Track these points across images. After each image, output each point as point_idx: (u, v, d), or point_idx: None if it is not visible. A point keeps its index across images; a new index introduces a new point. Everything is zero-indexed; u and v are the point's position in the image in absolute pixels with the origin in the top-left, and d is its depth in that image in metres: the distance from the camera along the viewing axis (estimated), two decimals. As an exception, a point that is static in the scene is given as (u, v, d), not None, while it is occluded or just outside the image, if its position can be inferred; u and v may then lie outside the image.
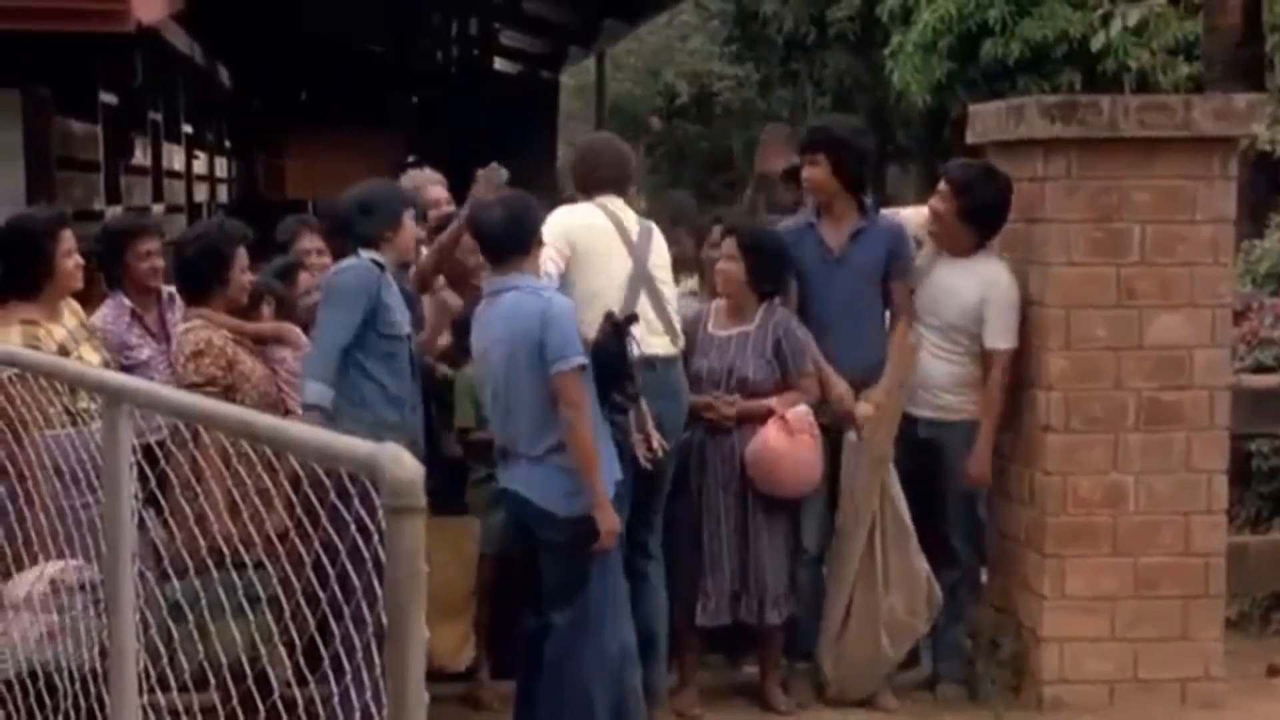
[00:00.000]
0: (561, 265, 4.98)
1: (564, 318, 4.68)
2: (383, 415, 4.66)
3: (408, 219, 5.01)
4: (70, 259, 4.92)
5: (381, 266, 4.83)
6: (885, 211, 5.81)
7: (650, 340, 5.00)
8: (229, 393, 4.68)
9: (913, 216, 5.73)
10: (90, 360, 4.76)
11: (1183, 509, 5.31)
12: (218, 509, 3.81)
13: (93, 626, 3.69)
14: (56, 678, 3.55)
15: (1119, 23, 11.67)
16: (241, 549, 3.51)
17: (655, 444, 4.86)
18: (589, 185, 5.26)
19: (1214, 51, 9.94)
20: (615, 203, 5.21)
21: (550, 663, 4.74)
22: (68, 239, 4.93)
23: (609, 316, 4.78)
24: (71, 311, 5.02)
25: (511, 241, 4.80)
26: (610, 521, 4.66)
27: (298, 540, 2.98)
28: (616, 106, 25.33)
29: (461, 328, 5.35)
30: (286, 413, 4.80)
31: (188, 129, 15.77)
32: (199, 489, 4.07)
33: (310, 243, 5.89)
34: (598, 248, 5.07)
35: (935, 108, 15.91)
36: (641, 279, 5.07)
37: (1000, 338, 5.36)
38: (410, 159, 20.64)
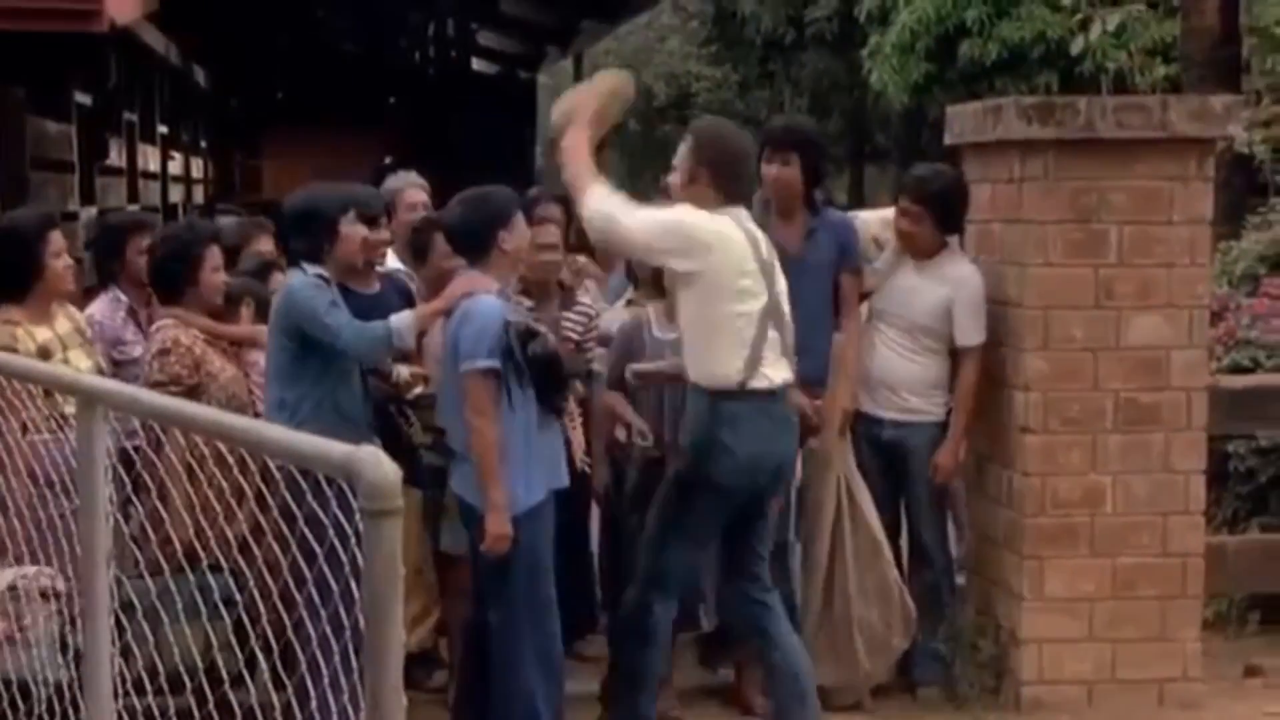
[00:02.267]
0: (682, 266, 4.56)
1: (480, 317, 4.59)
2: (335, 431, 4.59)
3: (347, 227, 4.82)
4: (59, 260, 4.91)
5: (326, 280, 4.75)
6: (848, 213, 5.82)
7: (778, 370, 4.65)
8: (194, 393, 4.65)
9: (872, 219, 5.72)
10: (79, 365, 4.73)
11: (1161, 510, 5.32)
12: (179, 514, 3.77)
13: (53, 634, 3.66)
14: (32, 685, 3.52)
15: (1099, 27, 11.69)
16: (202, 552, 3.48)
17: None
18: (729, 192, 4.63)
19: (1191, 53, 9.97)
20: (745, 216, 4.69)
21: (495, 663, 4.72)
22: (56, 240, 4.91)
23: (510, 326, 4.62)
24: (67, 316, 5.00)
25: (469, 239, 4.77)
26: (498, 527, 4.55)
27: (273, 543, 2.96)
28: (595, 107, 25.25)
29: None
30: (256, 415, 4.77)
31: (163, 129, 15.71)
32: (173, 491, 4.04)
33: (264, 245, 5.87)
34: (733, 268, 4.54)
35: (913, 109, 15.95)
36: (771, 312, 4.60)
37: (970, 334, 5.39)
38: (387, 160, 20.66)
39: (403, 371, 5.19)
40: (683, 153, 4.75)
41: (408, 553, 5.12)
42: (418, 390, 5.27)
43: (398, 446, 5.07)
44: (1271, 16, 10.23)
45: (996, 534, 5.48)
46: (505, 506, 4.57)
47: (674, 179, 4.81)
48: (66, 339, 4.87)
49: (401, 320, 4.72)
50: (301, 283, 4.73)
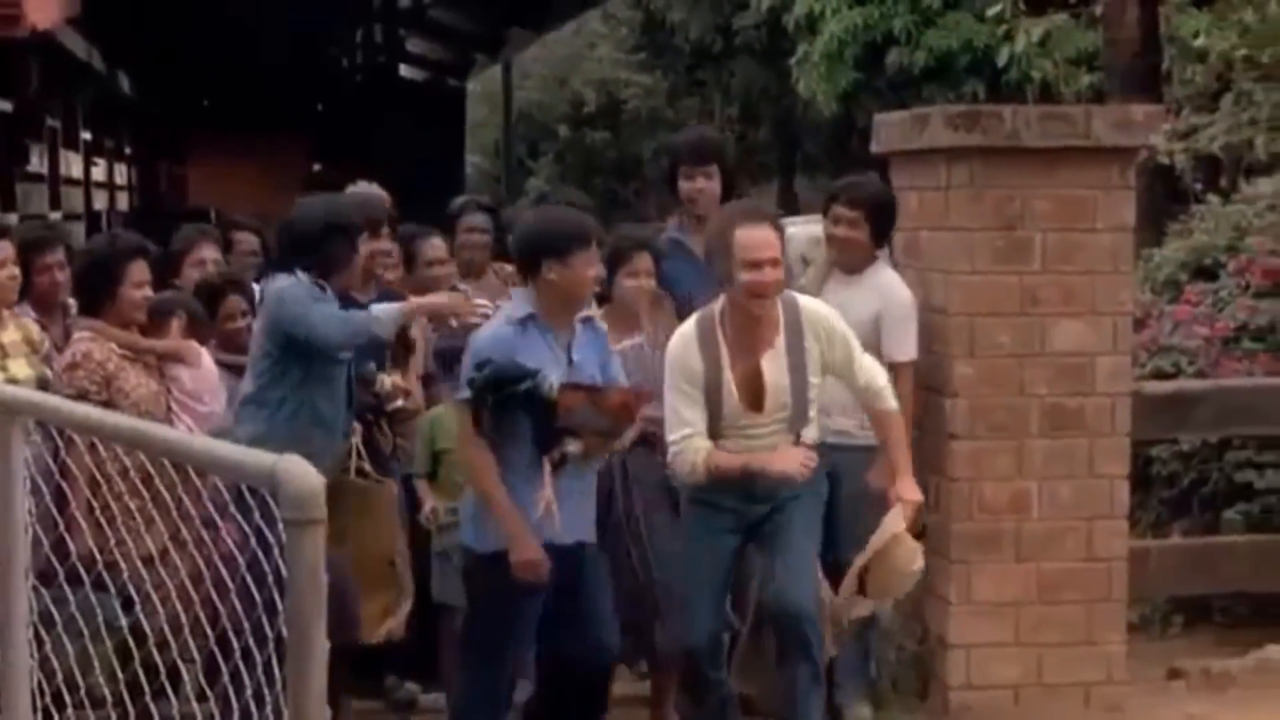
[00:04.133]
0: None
1: (471, 347, 4.60)
2: (308, 436, 4.57)
3: (363, 245, 4.95)
4: (2, 270, 4.87)
5: (323, 287, 4.78)
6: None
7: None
8: (104, 409, 4.58)
9: (800, 235, 5.52)
10: (18, 375, 4.71)
11: (1086, 514, 5.36)
12: (95, 525, 3.72)
13: None
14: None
15: (1024, 37, 11.82)
16: (123, 563, 3.44)
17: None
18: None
19: (1113, 63, 10.10)
20: None
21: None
22: (4, 249, 4.88)
23: (488, 365, 4.50)
24: (18, 326, 4.95)
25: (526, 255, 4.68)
26: (518, 554, 4.45)
27: (194, 552, 2.93)
28: (524, 114, 25.30)
29: (441, 359, 5.32)
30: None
31: (87, 136, 15.52)
32: (94, 502, 3.99)
33: (208, 253, 5.80)
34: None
35: (842, 117, 16.03)
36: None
37: (900, 349, 5.23)
38: (316, 167, 20.51)
39: (385, 381, 5.16)
40: None
41: (381, 544, 5.09)
42: (398, 403, 5.24)
43: (377, 453, 5.07)
44: (1190, 28, 10.36)
45: (926, 540, 5.50)
46: (522, 533, 4.47)
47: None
48: (10, 348, 4.83)
49: (384, 310, 4.77)
50: (293, 287, 4.70)
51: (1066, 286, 5.33)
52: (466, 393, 4.54)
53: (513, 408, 4.47)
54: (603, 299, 5.30)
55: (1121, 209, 5.37)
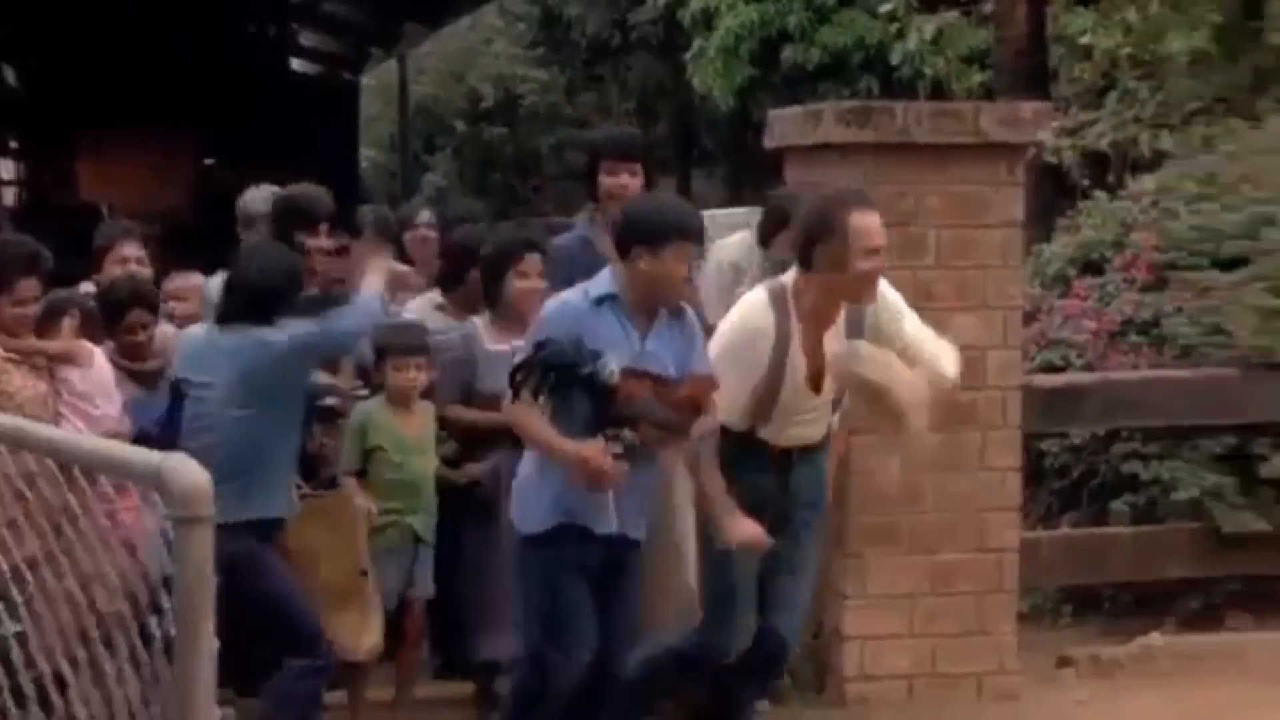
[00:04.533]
0: None
1: (545, 311, 4.48)
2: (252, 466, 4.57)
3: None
4: None
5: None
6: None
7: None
8: None
9: (730, 244, 5.45)
10: None
11: (978, 506, 5.44)
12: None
13: None
14: None
15: (916, 35, 11.97)
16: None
17: None
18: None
19: (1002, 62, 10.26)
20: None
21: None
22: None
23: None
24: None
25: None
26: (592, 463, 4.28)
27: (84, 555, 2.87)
28: (421, 109, 25.16)
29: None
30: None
31: (-30, 129, 15.18)
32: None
33: (130, 250, 5.68)
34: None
35: (738, 112, 16.11)
36: None
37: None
38: (207, 161, 20.22)
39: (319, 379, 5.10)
40: None
41: (347, 557, 4.95)
42: (329, 401, 5.16)
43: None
44: (1077, 27, 10.55)
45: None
46: (582, 462, 4.24)
47: None
48: None
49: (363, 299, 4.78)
50: (270, 333, 4.64)
51: (959, 281, 5.40)
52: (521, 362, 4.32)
53: (572, 389, 4.30)
54: (490, 300, 5.28)
55: (1011, 205, 5.44)
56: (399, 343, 5.17)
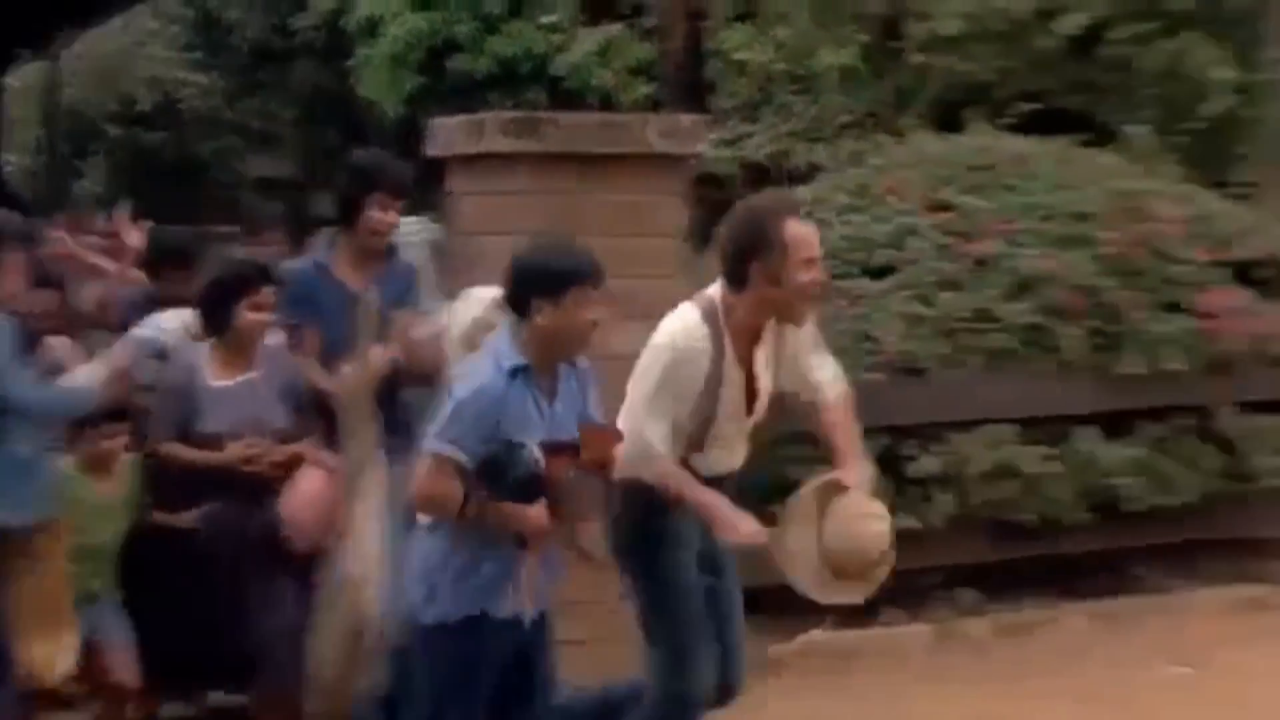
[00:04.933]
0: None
1: (460, 397, 4.05)
2: None
3: None
4: None
5: None
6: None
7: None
8: None
9: (480, 294, 5.08)
10: None
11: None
12: None
13: None
14: None
15: (581, 46, 12.10)
16: None
17: None
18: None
19: (666, 74, 10.48)
20: None
21: None
22: None
23: None
24: None
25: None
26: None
27: None
28: (72, 111, 24.01)
29: None
30: None
31: None
32: None
33: None
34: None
35: (407, 119, 15.95)
36: None
37: None
38: None
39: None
40: None
41: (58, 581, 4.62)
42: None
43: None
44: (733, 42, 10.85)
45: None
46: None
47: None
48: None
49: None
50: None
51: (622, 291, 5.42)
52: (457, 452, 3.90)
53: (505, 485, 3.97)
54: (217, 330, 4.97)
55: (674, 215, 5.53)
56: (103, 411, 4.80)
